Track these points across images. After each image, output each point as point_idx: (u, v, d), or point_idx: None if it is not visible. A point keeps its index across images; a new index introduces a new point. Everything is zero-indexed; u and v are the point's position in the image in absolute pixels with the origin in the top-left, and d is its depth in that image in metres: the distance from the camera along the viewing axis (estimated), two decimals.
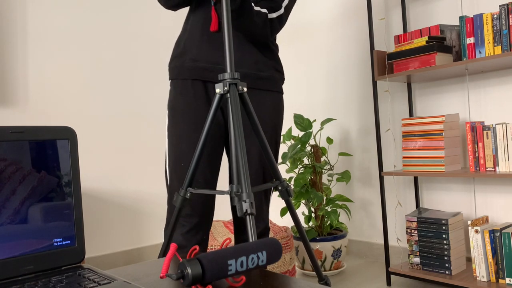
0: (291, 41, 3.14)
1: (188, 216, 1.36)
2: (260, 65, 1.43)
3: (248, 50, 1.42)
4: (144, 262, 0.82)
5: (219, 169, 1.44)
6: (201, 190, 1.18)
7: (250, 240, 1.03)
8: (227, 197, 3.19)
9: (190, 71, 1.39)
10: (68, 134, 0.74)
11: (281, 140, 3.12)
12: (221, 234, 2.21)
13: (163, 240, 1.43)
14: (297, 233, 2.43)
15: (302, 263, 2.46)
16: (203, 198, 1.38)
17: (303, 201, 2.51)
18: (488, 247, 1.87)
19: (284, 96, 3.22)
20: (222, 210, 3.17)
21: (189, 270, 0.58)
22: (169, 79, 1.46)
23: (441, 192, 2.33)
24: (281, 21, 1.44)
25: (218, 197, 3.06)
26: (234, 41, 1.40)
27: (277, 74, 1.49)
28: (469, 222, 1.92)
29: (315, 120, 2.60)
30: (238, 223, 1.50)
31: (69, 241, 0.72)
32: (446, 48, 2.04)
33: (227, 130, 1.44)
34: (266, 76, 1.44)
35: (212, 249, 2.09)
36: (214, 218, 3.16)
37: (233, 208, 1.49)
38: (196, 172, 1.22)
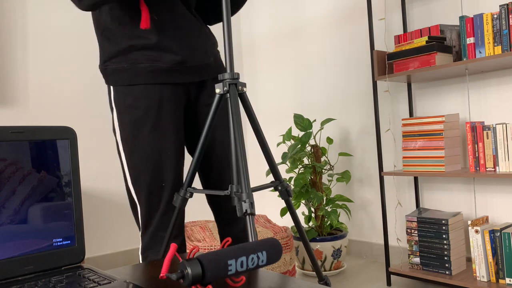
0: (291, 40, 3.14)
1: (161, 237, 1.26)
2: (215, 50, 1.35)
3: (206, 37, 1.31)
4: (144, 262, 0.82)
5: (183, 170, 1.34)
6: (201, 190, 1.18)
7: (250, 240, 1.03)
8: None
9: (150, 74, 1.25)
10: (68, 134, 0.74)
11: (281, 140, 3.12)
12: None
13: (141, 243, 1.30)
14: (297, 233, 2.43)
15: (302, 263, 2.46)
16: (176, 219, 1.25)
17: (303, 201, 2.51)
18: (488, 247, 1.87)
19: (284, 96, 3.22)
20: None
21: (189, 270, 0.58)
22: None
23: (441, 192, 2.33)
24: None
25: None
26: (195, 28, 1.26)
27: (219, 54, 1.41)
28: (469, 222, 1.92)
29: (315, 120, 2.60)
30: (222, 218, 1.40)
31: (69, 241, 0.72)
32: (446, 48, 2.04)
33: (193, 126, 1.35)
34: (218, 61, 1.37)
35: (212, 249, 2.09)
36: (213, 218, 3.16)
37: (212, 205, 1.38)
38: (195, 173, 1.22)
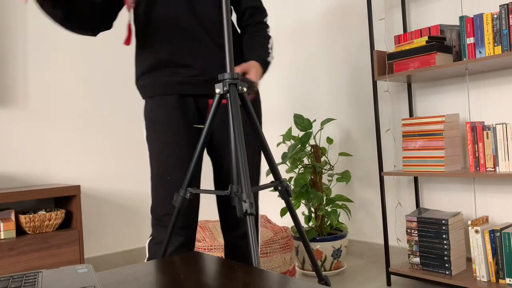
0: (291, 40, 3.14)
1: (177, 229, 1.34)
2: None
3: (220, 56, 1.39)
4: (144, 262, 0.82)
5: (200, 173, 1.42)
6: (201, 190, 1.18)
7: (250, 240, 1.03)
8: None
9: (165, 86, 1.37)
10: None
11: (281, 140, 3.11)
12: (221, 234, 2.21)
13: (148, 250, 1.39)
14: (297, 233, 2.43)
15: (302, 263, 2.46)
16: (186, 209, 1.34)
17: (303, 201, 2.51)
18: (488, 247, 1.87)
19: (284, 96, 3.22)
20: None
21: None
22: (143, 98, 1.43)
23: (441, 192, 2.33)
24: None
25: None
26: (204, 47, 1.37)
27: None
28: (469, 222, 1.92)
29: (315, 120, 2.60)
30: (226, 220, 1.45)
31: None
32: (446, 48, 2.04)
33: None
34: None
35: (212, 249, 2.09)
36: (213, 218, 3.16)
37: (219, 206, 1.46)
38: (195, 173, 1.22)
